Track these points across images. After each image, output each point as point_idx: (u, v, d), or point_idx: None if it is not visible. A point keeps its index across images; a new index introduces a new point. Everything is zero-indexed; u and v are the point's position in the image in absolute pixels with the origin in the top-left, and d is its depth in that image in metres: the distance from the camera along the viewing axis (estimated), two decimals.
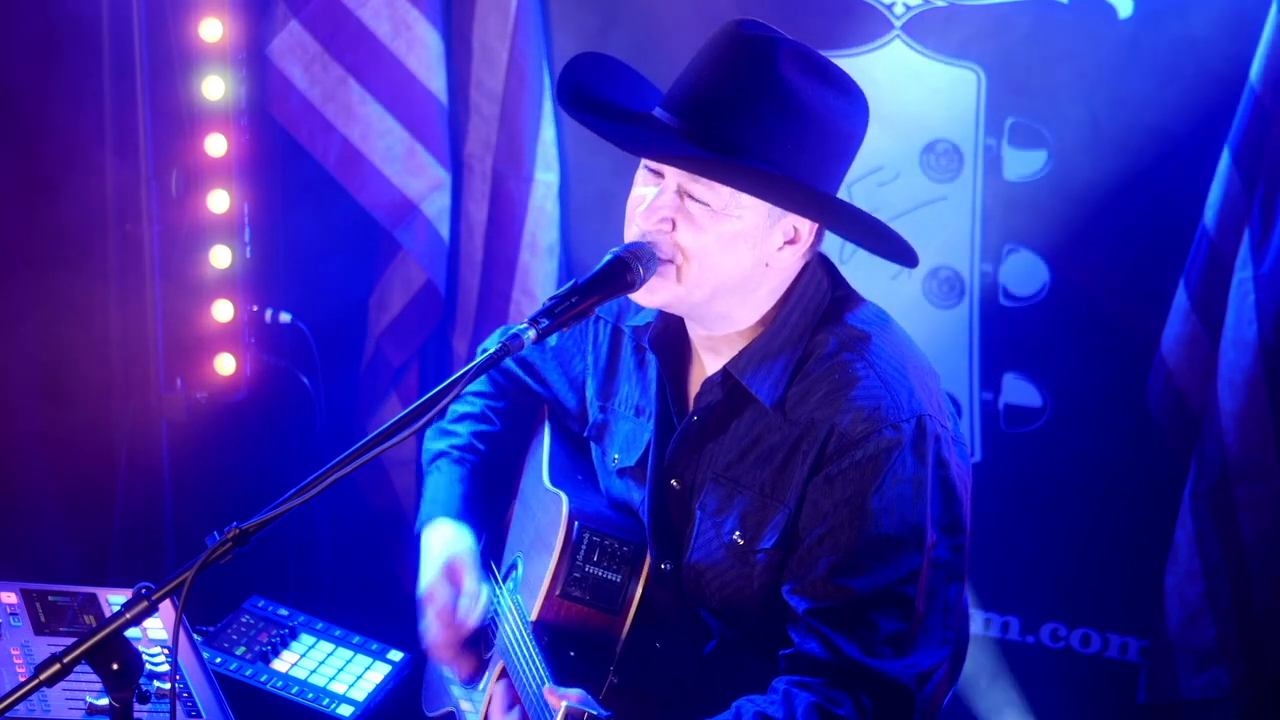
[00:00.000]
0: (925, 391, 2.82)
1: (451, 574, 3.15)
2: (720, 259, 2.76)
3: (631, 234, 2.82)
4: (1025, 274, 4.22)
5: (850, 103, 2.78)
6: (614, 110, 2.83)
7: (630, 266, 2.72)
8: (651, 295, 2.81)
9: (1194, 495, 3.97)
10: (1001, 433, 4.29)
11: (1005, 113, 4.15)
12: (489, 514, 3.32)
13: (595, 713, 2.57)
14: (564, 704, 2.60)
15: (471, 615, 3.12)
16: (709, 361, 2.94)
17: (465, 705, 3.26)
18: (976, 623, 4.36)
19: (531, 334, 2.60)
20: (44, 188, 4.38)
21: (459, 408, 3.40)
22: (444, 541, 3.19)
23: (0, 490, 4.38)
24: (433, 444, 3.38)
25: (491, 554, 3.34)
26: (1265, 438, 3.89)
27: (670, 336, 3.00)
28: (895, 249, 2.85)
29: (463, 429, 3.37)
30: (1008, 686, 4.41)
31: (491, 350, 2.60)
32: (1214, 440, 3.92)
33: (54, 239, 4.39)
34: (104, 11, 4.29)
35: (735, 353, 2.88)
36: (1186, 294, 3.99)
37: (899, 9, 4.17)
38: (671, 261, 2.77)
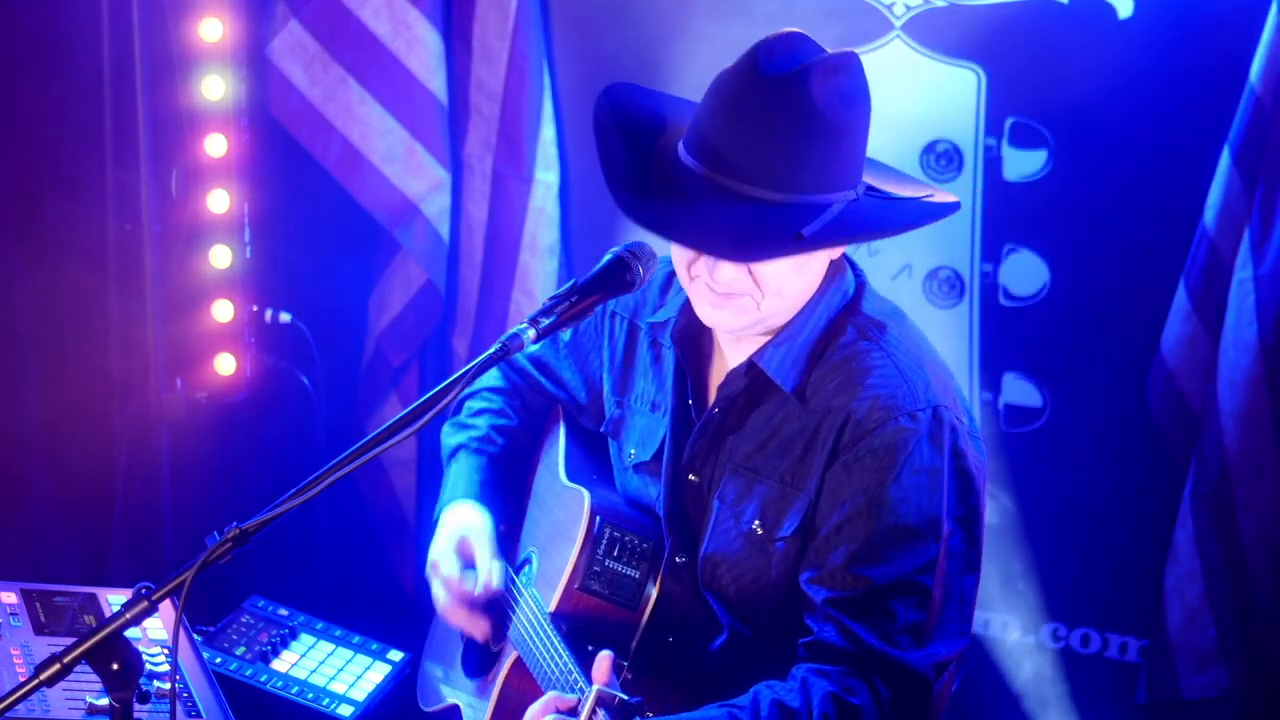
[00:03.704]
0: (941, 384, 2.84)
1: (463, 546, 3.17)
2: (797, 281, 2.80)
3: (703, 309, 2.82)
4: (1025, 274, 4.21)
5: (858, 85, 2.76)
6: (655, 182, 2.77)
7: (630, 266, 2.73)
8: (730, 324, 2.82)
9: (1194, 495, 3.97)
10: (1001, 433, 4.29)
11: (1005, 113, 4.14)
12: (506, 504, 3.33)
13: (625, 697, 2.60)
14: (595, 686, 2.63)
15: (479, 586, 3.12)
16: (731, 355, 2.95)
17: (465, 699, 3.25)
18: (976, 622, 4.35)
19: (531, 334, 2.60)
20: (44, 188, 4.37)
21: (476, 404, 3.42)
22: (459, 518, 3.22)
23: (0, 490, 4.38)
24: (451, 439, 3.40)
25: (505, 548, 3.35)
26: (1265, 438, 3.89)
27: (692, 332, 3.01)
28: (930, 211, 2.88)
29: (481, 422, 3.39)
30: (1007, 686, 4.41)
31: (492, 350, 2.60)
32: (1214, 440, 3.92)
33: (54, 239, 4.39)
34: (104, 12, 4.28)
35: (761, 344, 2.88)
36: (1186, 294, 3.98)
37: (899, 9, 4.16)
38: (748, 294, 2.78)
